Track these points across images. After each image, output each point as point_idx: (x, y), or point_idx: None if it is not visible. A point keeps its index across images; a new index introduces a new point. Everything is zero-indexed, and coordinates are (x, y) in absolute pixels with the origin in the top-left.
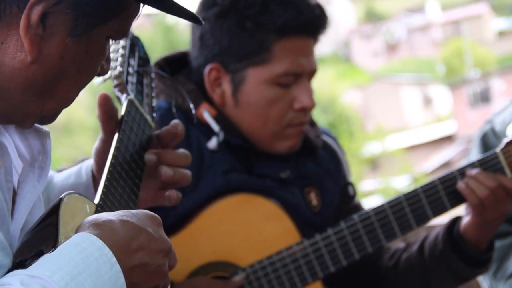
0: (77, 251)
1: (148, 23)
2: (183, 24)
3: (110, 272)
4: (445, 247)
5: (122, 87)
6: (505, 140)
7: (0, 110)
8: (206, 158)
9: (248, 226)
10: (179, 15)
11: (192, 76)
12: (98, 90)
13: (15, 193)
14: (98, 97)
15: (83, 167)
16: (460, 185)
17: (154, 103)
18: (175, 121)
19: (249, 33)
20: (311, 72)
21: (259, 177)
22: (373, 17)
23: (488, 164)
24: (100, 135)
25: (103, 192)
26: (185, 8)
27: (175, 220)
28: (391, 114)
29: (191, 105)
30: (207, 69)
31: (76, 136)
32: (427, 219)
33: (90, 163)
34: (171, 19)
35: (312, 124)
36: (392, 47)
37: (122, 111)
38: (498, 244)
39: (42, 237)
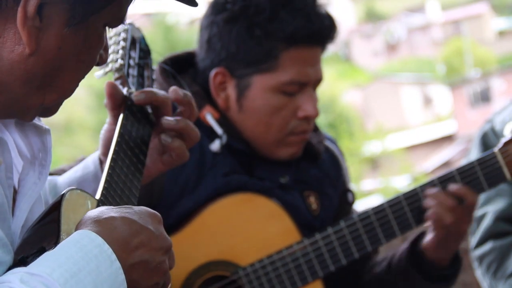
0: (77, 249)
1: (148, 23)
2: (183, 24)
3: (110, 269)
4: (407, 263)
5: (123, 80)
6: (503, 140)
7: (0, 104)
8: (208, 160)
9: (249, 225)
10: None
11: (197, 77)
12: (98, 90)
13: (15, 191)
14: (105, 86)
15: (89, 159)
16: (426, 203)
17: None
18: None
19: (257, 40)
20: (317, 81)
21: (259, 179)
22: (373, 17)
23: (486, 163)
24: (108, 119)
25: (104, 188)
26: None
27: (176, 219)
28: (391, 113)
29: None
30: (213, 72)
31: (76, 136)
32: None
33: (95, 154)
34: (171, 19)
35: (315, 129)
36: (392, 47)
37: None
38: (497, 243)
39: (43, 234)
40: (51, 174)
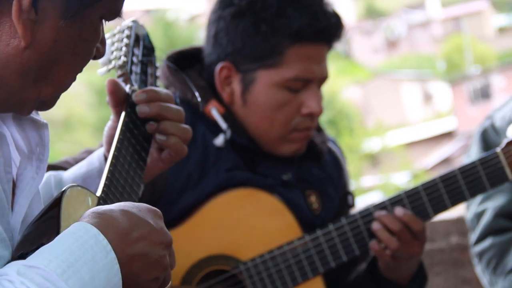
0: (73, 240)
1: (148, 19)
2: (183, 20)
3: (106, 259)
4: (368, 281)
5: (126, 77)
6: (506, 140)
7: None
8: (211, 155)
9: (250, 220)
10: None
11: (203, 72)
12: (98, 86)
13: (14, 186)
14: (106, 83)
15: (94, 155)
16: (374, 226)
17: None
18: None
19: (263, 36)
20: (322, 79)
21: (261, 176)
22: (373, 14)
23: (488, 163)
24: (111, 117)
25: (105, 185)
26: None
27: (178, 214)
28: (391, 110)
29: (197, 94)
30: (218, 67)
31: (76, 132)
32: (428, 217)
33: (101, 150)
34: (171, 15)
35: (319, 130)
36: (392, 44)
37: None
38: (497, 240)
39: (43, 230)
40: (54, 166)
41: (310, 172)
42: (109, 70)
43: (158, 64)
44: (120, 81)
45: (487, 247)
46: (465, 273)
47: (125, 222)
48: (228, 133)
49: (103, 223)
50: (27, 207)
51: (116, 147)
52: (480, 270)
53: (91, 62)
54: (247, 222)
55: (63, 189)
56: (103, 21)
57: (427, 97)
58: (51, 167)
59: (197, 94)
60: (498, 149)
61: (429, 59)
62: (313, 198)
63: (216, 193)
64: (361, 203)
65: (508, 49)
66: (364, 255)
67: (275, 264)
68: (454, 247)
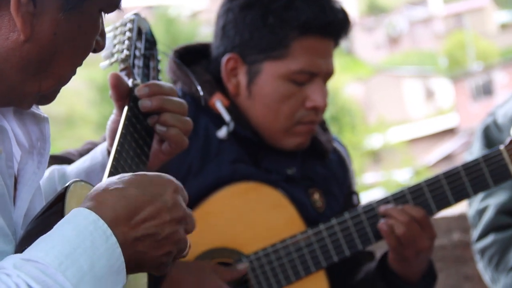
0: (71, 227)
1: (149, 16)
2: (185, 17)
3: (106, 245)
4: (378, 279)
5: (128, 71)
6: (509, 138)
7: None
8: (213, 147)
9: (253, 214)
10: None
11: (210, 66)
12: (99, 83)
13: (16, 181)
14: (109, 77)
15: (97, 149)
16: (380, 224)
17: None
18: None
19: (271, 28)
20: (327, 74)
21: (265, 171)
22: (375, 10)
23: (492, 160)
24: (114, 110)
25: (110, 172)
26: None
27: None
28: (393, 106)
29: (199, 88)
30: (225, 58)
31: (78, 129)
32: (431, 213)
33: (104, 144)
34: (173, 11)
35: (325, 129)
36: (394, 40)
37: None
38: (499, 236)
39: (47, 226)
40: (57, 156)
41: (314, 170)
42: (111, 64)
43: (160, 57)
44: (123, 75)
45: (489, 243)
46: (467, 269)
47: (131, 203)
48: (231, 125)
49: (102, 207)
50: (29, 202)
51: (119, 141)
52: (482, 266)
53: (93, 59)
54: (251, 215)
55: (66, 184)
56: (103, 13)
57: (429, 94)
58: (54, 158)
59: (199, 88)
60: (502, 147)
61: (431, 56)
62: (316, 196)
63: (219, 186)
64: (363, 199)
65: (510, 46)
66: (369, 256)
67: (277, 257)
68: (456, 243)
